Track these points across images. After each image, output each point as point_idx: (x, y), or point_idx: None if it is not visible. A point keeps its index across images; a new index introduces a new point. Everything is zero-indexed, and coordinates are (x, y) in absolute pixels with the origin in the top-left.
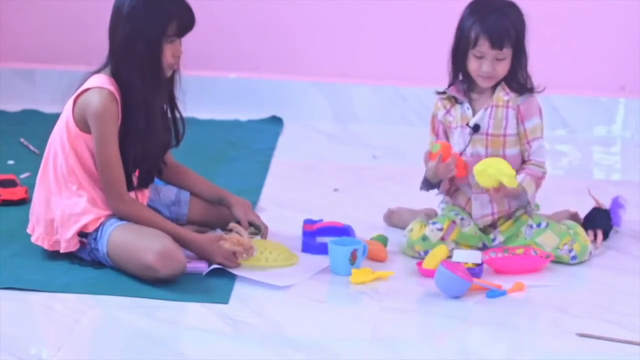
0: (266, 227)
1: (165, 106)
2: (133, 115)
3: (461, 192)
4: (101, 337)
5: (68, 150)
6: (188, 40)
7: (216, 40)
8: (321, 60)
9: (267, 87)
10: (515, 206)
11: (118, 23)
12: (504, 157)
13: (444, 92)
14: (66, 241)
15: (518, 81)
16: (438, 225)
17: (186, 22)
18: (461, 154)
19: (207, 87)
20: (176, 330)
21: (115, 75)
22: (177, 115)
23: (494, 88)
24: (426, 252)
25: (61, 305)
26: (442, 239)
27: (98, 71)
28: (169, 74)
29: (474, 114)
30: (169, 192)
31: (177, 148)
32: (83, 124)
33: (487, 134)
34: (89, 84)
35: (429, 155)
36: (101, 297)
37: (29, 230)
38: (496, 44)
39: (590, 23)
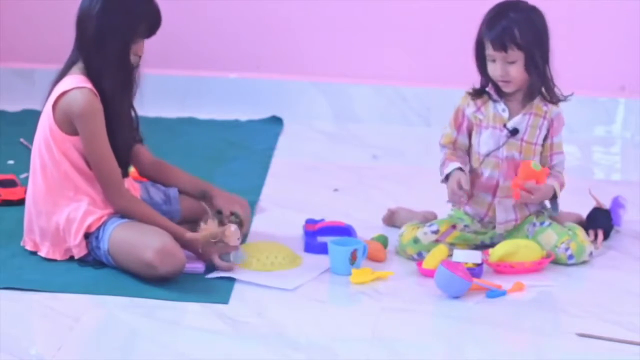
0: (248, 220)
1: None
2: (106, 110)
3: (480, 198)
4: (101, 337)
5: (58, 157)
6: (189, 40)
7: (216, 40)
8: (321, 60)
9: (267, 87)
10: (534, 210)
11: (89, 20)
12: None
13: (480, 91)
14: (76, 247)
15: (549, 88)
16: (433, 228)
17: (154, 24)
18: (488, 154)
19: (207, 87)
20: (176, 330)
21: (88, 72)
22: (132, 113)
23: (527, 95)
24: (419, 254)
25: (61, 305)
26: (437, 241)
27: (66, 69)
28: None
29: (509, 116)
30: (157, 192)
31: (144, 142)
32: (67, 127)
33: (522, 140)
34: (65, 85)
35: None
36: (101, 297)
37: (28, 248)
38: (497, 46)
39: (590, 23)
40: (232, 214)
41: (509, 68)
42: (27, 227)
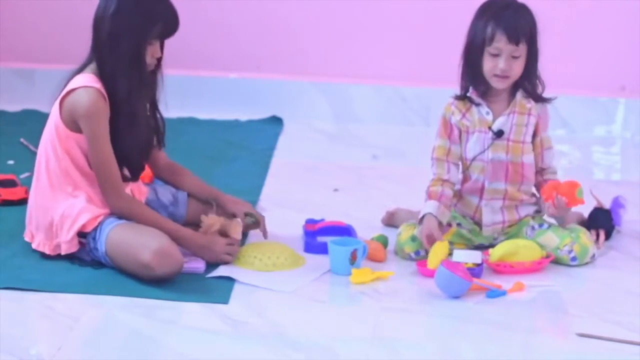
0: (263, 217)
1: (147, 106)
2: (117, 113)
3: (467, 200)
4: (101, 337)
5: (60, 153)
6: (190, 40)
7: (216, 40)
8: (321, 60)
9: (267, 87)
10: (524, 214)
11: (104, 20)
12: (522, 164)
13: (463, 96)
14: (66, 242)
15: (533, 84)
16: None
17: (171, 26)
18: (475, 158)
19: (207, 87)
20: (176, 330)
21: (101, 73)
22: (158, 115)
23: (512, 93)
24: (416, 253)
25: (61, 305)
26: None
27: (81, 69)
28: None
29: (493, 118)
30: (166, 193)
31: (165, 147)
32: (72, 125)
33: (508, 140)
34: (74, 83)
35: (426, 240)
36: (101, 297)
37: (27, 238)
38: (513, 39)
39: (590, 23)
40: (246, 215)
41: (512, 63)
42: (27, 218)
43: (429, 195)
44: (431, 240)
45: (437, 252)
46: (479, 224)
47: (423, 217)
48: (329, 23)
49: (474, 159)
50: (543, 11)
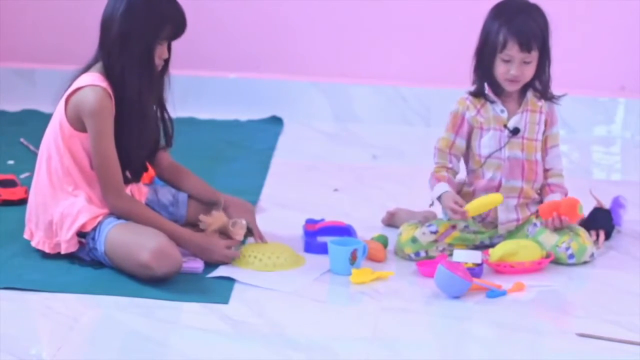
0: (258, 232)
1: (155, 107)
2: (127, 111)
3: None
4: (100, 337)
5: (63, 151)
6: (190, 40)
7: (216, 40)
8: (321, 60)
9: (267, 87)
10: (534, 211)
11: (113, 20)
12: (536, 162)
13: (480, 92)
14: (66, 242)
15: (544, 84)
16: (432, 228)
17: (179, 27)
18: (490, 155)
19: (207, 87)
20: (176, 330)
21: (108, 73)
22: (166, 116)
23: (523, 92)
24: (416, 254)
25: (61, 305)
26: (435, 241)
27: (87, 68)
28: None
29: (508, 116)
30: (167, 193)
31: (171, 148)
32: (77, 123)
33: (523, 137)
34: (80, 82)
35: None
36: (101, 297)
37: (26, 236)
38: (525, 47)
39: (590, 23)
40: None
41: (524, 68)
42: (27, 216)
43: (438, 179)
44: (460, 203)
45: (487, 199)
46: (492, 222)
47: (439, 197)
48: (329, 23)
49: (489, 156)
50: (544, 11)
